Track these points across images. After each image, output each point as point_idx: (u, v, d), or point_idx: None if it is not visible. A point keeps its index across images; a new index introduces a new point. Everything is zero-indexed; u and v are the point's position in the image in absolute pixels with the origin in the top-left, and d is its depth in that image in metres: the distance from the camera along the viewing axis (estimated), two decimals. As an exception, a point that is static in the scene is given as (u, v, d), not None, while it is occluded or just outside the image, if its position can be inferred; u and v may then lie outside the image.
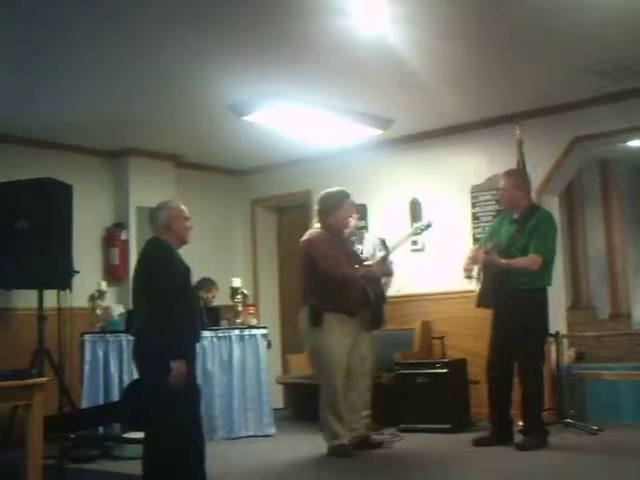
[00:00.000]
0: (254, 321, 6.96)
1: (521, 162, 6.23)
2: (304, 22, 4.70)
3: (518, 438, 5.50)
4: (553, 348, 6.34)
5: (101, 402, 6.19)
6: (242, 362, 6.67)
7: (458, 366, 6.61)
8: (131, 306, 4.97)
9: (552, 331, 6.02)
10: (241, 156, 8.21)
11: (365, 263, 5.73)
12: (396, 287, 6.78)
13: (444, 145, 7.33)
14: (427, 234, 6.44)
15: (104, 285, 6.77)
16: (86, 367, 6.23)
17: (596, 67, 5.72)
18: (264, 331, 6.87)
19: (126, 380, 5.97)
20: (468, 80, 5.96)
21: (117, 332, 6.33)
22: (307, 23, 4.72)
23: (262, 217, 8.94)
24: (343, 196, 5.69)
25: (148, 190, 7.52)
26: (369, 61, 5.38)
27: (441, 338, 6.86)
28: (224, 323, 6.85)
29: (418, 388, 6.44)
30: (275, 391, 7.63)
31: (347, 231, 5.96)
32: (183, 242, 4.38)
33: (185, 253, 4.39)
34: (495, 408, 5.64)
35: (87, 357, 6.24)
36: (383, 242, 5.76)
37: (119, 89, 5.89)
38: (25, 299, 6.42)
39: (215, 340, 6.59)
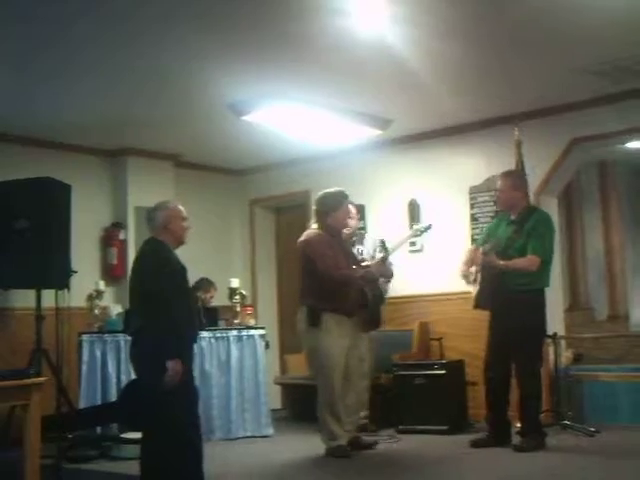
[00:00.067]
0: (252, 321, 6.96)
1: (520, 163, 6.21)
2: (304, 22, 4.70)
3: (516, 439, 5.50)
4: (551, 349, 6.32)
5: (99, 402, 6.18)
6: (240, 363, 6.67)
7: (456, 367, 6.61)
8: (128, 306, 4.96)
9: (550, 332, 6.03)
10: (240, 156, 8.21)
11: (363, 264, 5.73)
12: (390, 286, 6.76)
13: (443, 146, 7.33)
14: (425, 235, 6.43)
15: (102, 285, 6.77)
16: (84, 367, 6.22)
17: (595, 68, 5.72)
18: (262, 331, 6.87)
19: (124, 380, 5.96)
20: (467, 80, 5.95)
21: (115, 332, 6.31)
22: (307, 23, 4.72)
23: (260, 217, 8.93)
24: (342, 197, 5.68)
25: (146, 190, 7.51)
26: (368, 61, 5.38)
27: (439, 339, 6.87)
28: (222, 323, 6.85)
29: (416, 389, 6.45)
30: (273, 392, 7.62)
31: (348, 232, 5.96)
32: (180, 242, 4.37)
33: (183, 253, 4.37)
34: (493, 409, 5.63)
35: (85, 357, 6.23)
36: (382, 243, 5.75)
37: (119, 89, 5.88)
38: (23, 299, 6.42)
39: (213, 340, 6.59)
